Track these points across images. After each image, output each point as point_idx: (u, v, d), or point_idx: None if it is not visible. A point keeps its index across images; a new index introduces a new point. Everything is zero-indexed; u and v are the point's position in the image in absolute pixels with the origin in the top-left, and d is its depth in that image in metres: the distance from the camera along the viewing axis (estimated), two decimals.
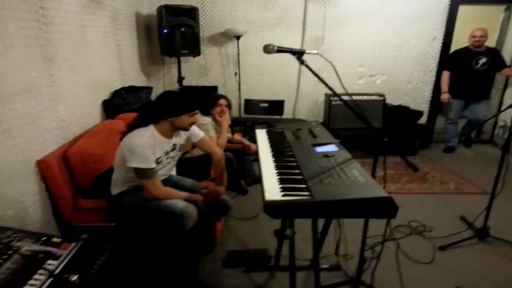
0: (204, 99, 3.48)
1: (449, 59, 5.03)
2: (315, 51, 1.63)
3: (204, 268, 2.51)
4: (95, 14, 3.25)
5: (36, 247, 1.46)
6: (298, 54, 1.64)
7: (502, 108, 4.73)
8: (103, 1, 3.42)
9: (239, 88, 5.08)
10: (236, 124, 4.83)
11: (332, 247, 2.58)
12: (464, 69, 4.80)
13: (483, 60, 4.72)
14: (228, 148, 3.50)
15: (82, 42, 3.00)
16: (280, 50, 1.64)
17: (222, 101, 3.49)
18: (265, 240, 2.85)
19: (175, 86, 4.96)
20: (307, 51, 1.64)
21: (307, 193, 1.39)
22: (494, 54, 4.82)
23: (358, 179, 1.48)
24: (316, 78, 1.72)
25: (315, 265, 2.07)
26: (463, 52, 4.84)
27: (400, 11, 4.96)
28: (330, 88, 1.70)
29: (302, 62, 1.64)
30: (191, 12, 4.43)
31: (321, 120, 5.26)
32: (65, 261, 1.40)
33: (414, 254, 2.69)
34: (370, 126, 1.73)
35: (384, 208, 1.34)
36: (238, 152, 3.75)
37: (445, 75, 4.93)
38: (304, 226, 2.43)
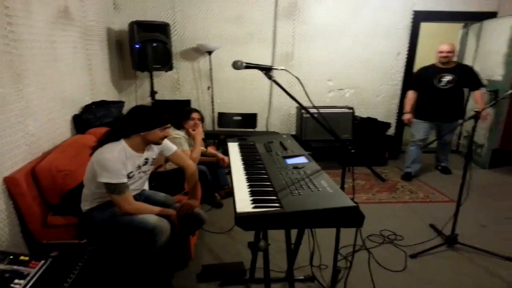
0: (177, 113, 3.48)
1: (413, 78, 4.79)
2: (282, 67, 1.69)
3: (179, 283, 2.49)
4: (65, 30, 3.24)
5: (2, 266, 1.42)
6: (266, 70, 1.68)
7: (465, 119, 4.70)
8: (73, 17, 3.41)
9: (212, 101, 5.12)
10: (210, 137, 4.85)
11: (307, 258, 2.60)
12: (428, 87, 4.42)
13: (447, 78, 4.30)
14: (202, 161, 3.51)
15: (52, 57, 2.98)
16: (248, 66, 1.67)
17: (195, 115, 3.51)
18: (240, 253, 2.85)
19: (147, 100, 4.94)
20: (274, 67, 1.69)
21: (277, 204, 1.41)
22: (465, 72, 4.35)
23: (326, 189, 1.53)
24: (290, 91, 1.78)
25: (289, 277, 2.09)
26: (428, 69, 4.47)
27: (366, 28, 5.16)
28: (297, 102, 1.76)
29: (270, 77, 1.69)
30: (163, 28, 4.47)
31: (293, 133, 5.35)
32: (33, 279, 1.38)
33: (386, 263, 2.75)
34: (336, 137, 1.80)
35: (351, 217, 1.38)
36: (212, 165, 3.76)
37: (409, 94, 4.58)
38: (279, 238, 2.45)
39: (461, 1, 5.14)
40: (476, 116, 2.79)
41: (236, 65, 1.67)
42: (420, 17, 5.18)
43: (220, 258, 2.84)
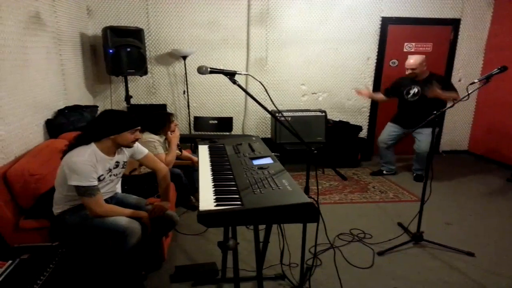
0: (158, 118, 3.48)
1: (389, 86, 4.76)
2: (246, 72, 1.77)
3: (152, 284, 2.52)
4: (37, 35, 3.24)
5: None
6: (230, 75, 1.75)
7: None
8: (45, 23, 3.41)
9: (188, 105, 5.17)
10: (186, 141, 4.89)
11: (278, 256, 2.67)
12: (399, 98, 4.58)
13: (414, 90, 4.39)
14: (177, 164, 3.55)
15: (23, 62, 2.97)
16: (213, 71, 1.73)
17: (173, 118, 3.55)
18: (213, 254, 2.89)
19: (122, 105, 4.95)
20: (238, 72, 1.76)
21: (238, 202, 1.49)
22: (432, 82, 4.21)
23: (286, 188, 1.61)
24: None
25: (258, 275, 2.15)
26: (402, 80, 4.54)
27: (336, 33, 5.31)
28: (261, 105, 1.84)
29: (234, 82, 1.75)
30: (137, 33, 4.49)
31: (269, 136, 5.44)
32: None
33: (355, 260, 2.84)
34: (300, 139, 1.89)
35: (306, 213, 1.46)
36: (188, 169, 3.80)
37: (381, 93, 4.80)
38: (250, 238, 2.51)
39: (427, 9, 5.36)
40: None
41: (201, 71, 1.72)
42: (388, 22, 5.37)
43: (194, 259, 2.88)
